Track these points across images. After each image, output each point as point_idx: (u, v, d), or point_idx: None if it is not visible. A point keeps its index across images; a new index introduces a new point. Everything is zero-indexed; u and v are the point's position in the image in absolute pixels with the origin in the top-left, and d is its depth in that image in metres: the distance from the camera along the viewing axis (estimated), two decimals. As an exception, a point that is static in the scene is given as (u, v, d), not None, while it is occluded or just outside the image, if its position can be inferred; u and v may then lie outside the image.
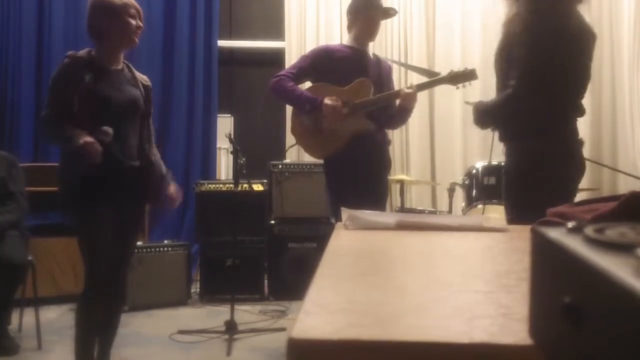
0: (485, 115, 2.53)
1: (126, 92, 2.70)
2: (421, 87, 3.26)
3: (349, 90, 3.22)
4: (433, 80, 3.29)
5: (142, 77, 2.85)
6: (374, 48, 4.04)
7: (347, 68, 3.26)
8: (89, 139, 2.46)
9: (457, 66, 5.88)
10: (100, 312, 2.67)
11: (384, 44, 5.57)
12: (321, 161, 3.50)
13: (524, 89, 2.30)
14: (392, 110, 3.35)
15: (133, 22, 2.66)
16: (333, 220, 3.35)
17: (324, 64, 3.31)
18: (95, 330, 2.70)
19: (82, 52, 2.68)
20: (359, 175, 3.19)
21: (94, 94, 2.59)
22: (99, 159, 2.46)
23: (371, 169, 3.24)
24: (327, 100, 3.13)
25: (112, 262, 2.65)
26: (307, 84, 3.44)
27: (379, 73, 3.32)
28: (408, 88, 3.20)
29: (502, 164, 4.09)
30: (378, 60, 3.42)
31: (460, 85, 3.19)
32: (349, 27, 3.41)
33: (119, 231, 2.68)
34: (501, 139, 2.54)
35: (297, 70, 3.35)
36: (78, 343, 2.63)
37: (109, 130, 2.55)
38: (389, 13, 3.39)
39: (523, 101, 2.31)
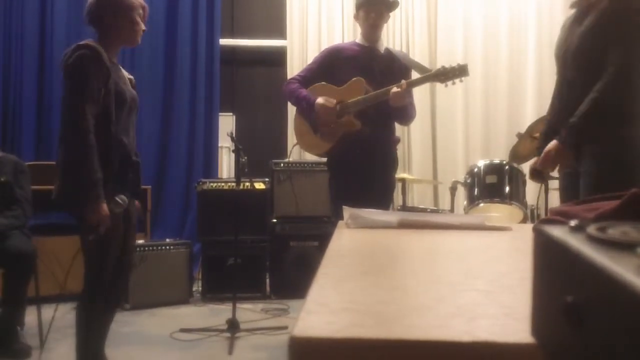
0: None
1: (129, 88, 2.67)
2: (410, 84, 3.14)
3: (344, 90, 3.22)
4: (421, 77, 3.17)
5: (126, 73, 2.76)
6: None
7: (353, 66, 3.25)
8: (105, 212, 2.39)
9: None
10: (102, 311, 2.65)
11: (386, 41, 5.56)
12: (323, 160, 3.51)
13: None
14: (389, 108, 3.32)
15: (140, 22, 2.60)
16: (333, 219, 3.33)
17: (332, 64, 3.33)
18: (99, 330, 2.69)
19: (90, 42, 2.53)
20: (360, 173, 3.18)
21: (116, 89, 2.50)
22: (101, 231, 2.41)
23: (373, 168, 3.22)
24: (319, 100, 3.16)
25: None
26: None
27: (388, 70, 3.26)
28: (398, 86, 3.08)
29: (504, 162, 4.12)
30: (390, 56, 3.37)
31: (449, 82, 3.06)
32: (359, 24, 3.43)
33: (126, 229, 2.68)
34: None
35: (306, 72, 3.42)
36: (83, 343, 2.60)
37: (125, 199, 2.52)
38: (389, 5, 3.33)
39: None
